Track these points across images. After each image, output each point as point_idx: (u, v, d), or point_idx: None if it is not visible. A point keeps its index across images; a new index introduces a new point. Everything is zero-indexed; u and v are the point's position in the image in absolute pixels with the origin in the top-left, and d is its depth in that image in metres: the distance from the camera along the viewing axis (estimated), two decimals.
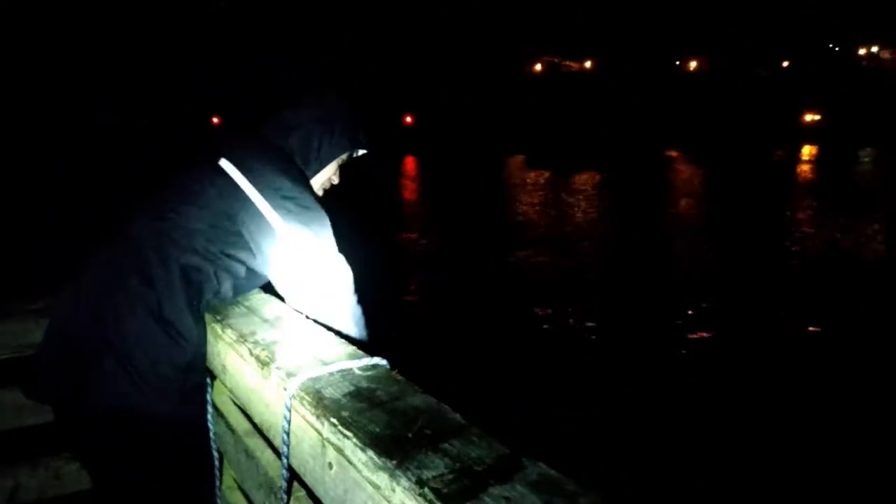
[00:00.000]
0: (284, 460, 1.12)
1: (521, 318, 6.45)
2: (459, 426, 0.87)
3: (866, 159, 22.96)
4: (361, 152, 1.83)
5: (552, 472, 0.78)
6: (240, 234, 1.52)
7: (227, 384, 1.51)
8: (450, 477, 0.76)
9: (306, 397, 1.03)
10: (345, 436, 0.88)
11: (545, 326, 6.21)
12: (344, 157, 1.78)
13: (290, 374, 1.12)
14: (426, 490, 0.74)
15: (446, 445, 0.82)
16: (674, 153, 22.28)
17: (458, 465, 0.78)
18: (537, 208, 13.72)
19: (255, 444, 1.39)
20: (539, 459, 0.81)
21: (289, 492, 1.16)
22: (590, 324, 6.20)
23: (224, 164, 1.53)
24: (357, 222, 12.15)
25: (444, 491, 0.73)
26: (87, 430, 1.48)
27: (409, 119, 25.31)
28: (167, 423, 1.48)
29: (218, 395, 1.62)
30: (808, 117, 34.12)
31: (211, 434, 1.62)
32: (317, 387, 1.05)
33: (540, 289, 7.55)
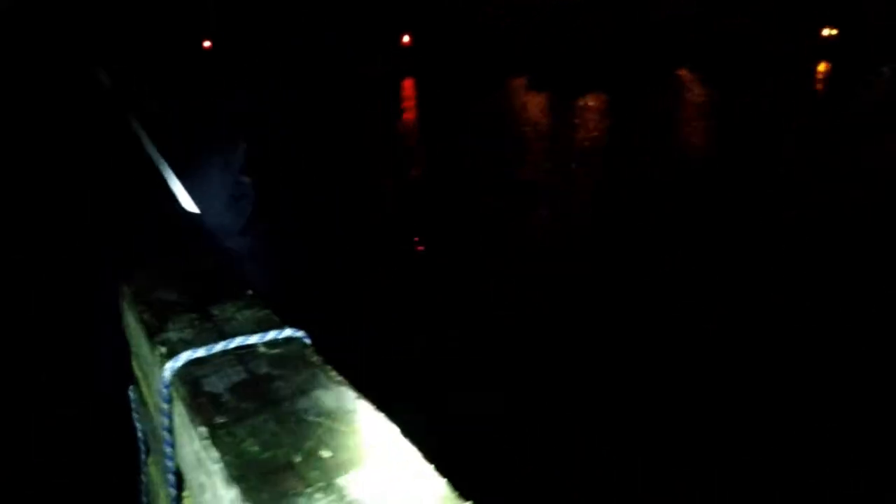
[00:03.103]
0: (169, 462, 0.85)
1: (513, 259, 6.10)
2: (380, 442, 0.58)
3: (880, 77, 21.77)
4: None
5: None
6: None
7: (135, 354, 1.24)
8: None
9: (181, 389, 0.74)
10: (211, 458, 0.59)
11: (540, 271, 5.85)
12: None
13: (171, 352, 0.83)
14: None
15: (345, 483, 0.53)
16: (683, 72, 20.93)
17: None
18: (535, 136, 13.03)
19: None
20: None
21: (179, 499, 0.89)
22: (584, 267, 5.83)
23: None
24: (352, 154, 11.64)
25: None
26: None
27: (406, 39, 23.83)
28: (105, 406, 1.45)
29: (136, 369, 1.37)
30: (826, 32, 32.23)
31: (133, 413, 1.40)
32: (198, 374, 0.76)
33: (536, 227, 7.16)
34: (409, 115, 17.12)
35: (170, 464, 0.83)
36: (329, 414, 0.62)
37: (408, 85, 20.88)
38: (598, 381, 4.06)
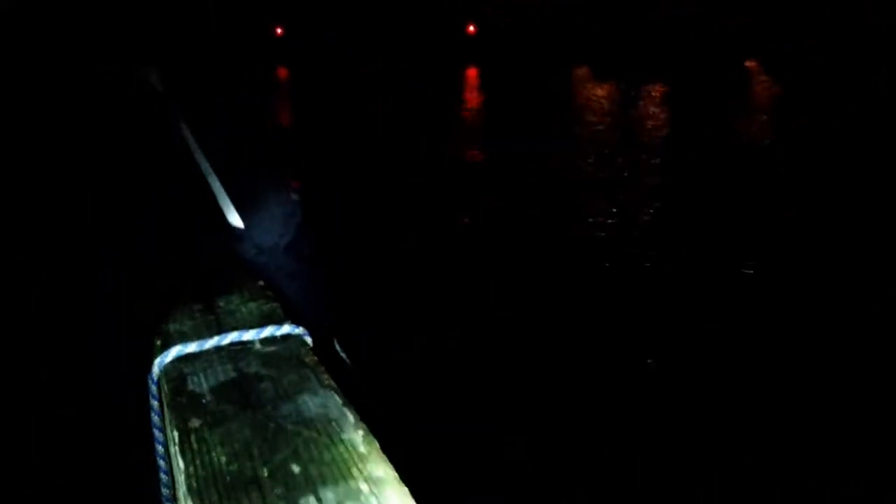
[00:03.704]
0: (161, 462, 0.84)
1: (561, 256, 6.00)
2: (356, 457, 0.56)
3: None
4: None
5: None
6: None
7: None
8: None
9: (166, 386, 0.73)
10: (178, 466, 0.58)
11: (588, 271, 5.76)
12: None
13: (165, 346, 0.82)
14: None
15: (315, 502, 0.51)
16: (752, 64, 19.87)
17: None
18: (594, 128, 12.52)
19: None
20: None
21: (173, 500, 0.88)
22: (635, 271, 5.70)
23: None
24: (409, 140, 11.44)
25: None
26: None
27: (471, 28, 23.53)
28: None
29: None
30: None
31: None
32: (186, 370, 0.74)
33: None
34: (469, 106, 16.46)
35: (162, 463, 0.82)
36: (310, 422, 0.60)
37: (471, 73, 20.23)
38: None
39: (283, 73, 19.84)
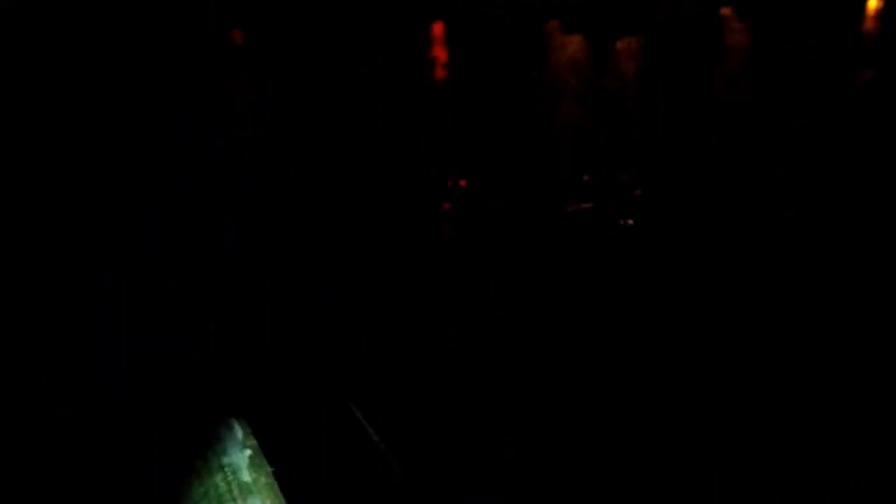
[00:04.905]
0: None
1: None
2: None
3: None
4: None
5: None
6: None
7: None
8: None
9: None
10: None
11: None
12: None
13: None
14: None
15: None
16: (727, 11, 19.79)
17: None
18: (561, 83, 12.31)
19: None
20: None
21: None
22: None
23: None
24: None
25: None
26: None
27: None
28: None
29: None
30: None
31: None
32: None
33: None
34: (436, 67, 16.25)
35: None
36: None
37: (437, 27, 20.00)
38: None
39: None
